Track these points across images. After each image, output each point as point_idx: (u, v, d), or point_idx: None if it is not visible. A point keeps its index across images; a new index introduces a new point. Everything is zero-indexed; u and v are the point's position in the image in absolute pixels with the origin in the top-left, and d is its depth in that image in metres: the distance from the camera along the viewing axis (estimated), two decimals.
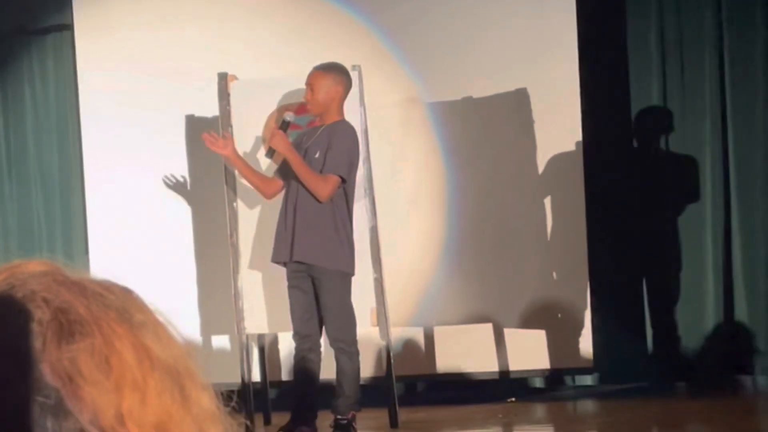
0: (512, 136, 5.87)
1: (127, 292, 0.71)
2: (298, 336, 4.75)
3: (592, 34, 5.89)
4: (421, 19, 5.89)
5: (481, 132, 5.87)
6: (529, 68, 5.78)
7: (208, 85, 5.30)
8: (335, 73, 4.73)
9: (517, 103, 5.83)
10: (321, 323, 4.75)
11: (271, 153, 4.75)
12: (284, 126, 4.68)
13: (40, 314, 0.65)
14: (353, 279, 4.86)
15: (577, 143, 5.82)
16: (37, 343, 0.64)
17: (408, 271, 5.79)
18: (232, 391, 0.78)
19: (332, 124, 4.75)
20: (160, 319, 0.71)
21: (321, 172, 4.67)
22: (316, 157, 4.67)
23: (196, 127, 5.76)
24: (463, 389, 6.02)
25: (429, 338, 5.97)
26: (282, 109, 5.01)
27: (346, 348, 4.68)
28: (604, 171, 5.92)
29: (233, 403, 0.74)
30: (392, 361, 5.15)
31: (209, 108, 5.56)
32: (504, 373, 5.86)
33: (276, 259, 4.79)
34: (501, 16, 5.84)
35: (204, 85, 5.44)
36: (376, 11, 5.91)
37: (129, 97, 5.96)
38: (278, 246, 4.75)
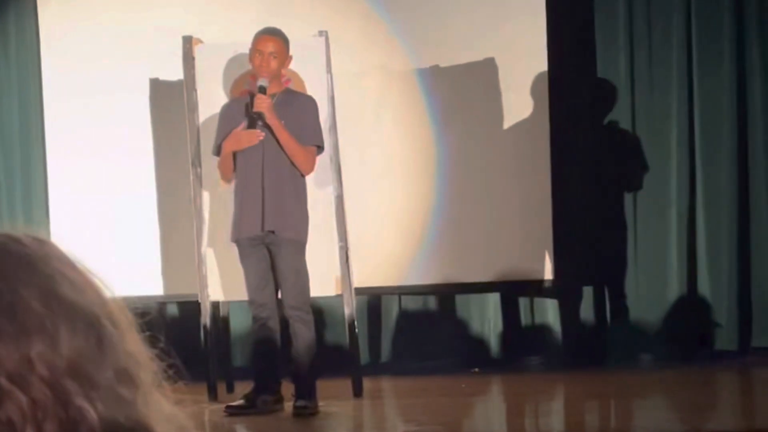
0: (481, 106, 5.85)
1: (40, 242, 0.70)
2: (254, 304, 4.71)
3: (561, 5, 5.87)
4: None
5: (450, 101, 5.85)
6: (497, 37, 5.76)
7: (172, 49, 5.22)
8: (287, 41, 4.63)
9: (486, 73, 5.81)
10: (277, 291, 4.71)
11: (258, 117, 4.53)
12: (262, 91, 4.54)
13: None
14: (318, 247, 4.84)
15: (544, 115, 5.81)
16: None
17: (373, 236, 5.77)
18: (146, 312, 0.76)
19: (285, 94, 4.65)
20: (78, 267, 0.70)
21: None
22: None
23: (160, 91, 5.68)
24: (427, 359, 6.03)
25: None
26: (245, 75, 4.92)
27: (304, 316, 4.65)
28: (569, 142, 5.93)
29: (161, 344, 0.74)
30: (356, 329, 5.14)
31: (174, 72, 5.48)
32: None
33: (242, 235, 4.65)
34: None
35: (168, 48, 5.36)
36: None
37: (92, 59, 5.87)
38: (246, 220, 4.62)
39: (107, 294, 0.71)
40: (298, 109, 4.62)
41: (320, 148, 4.68)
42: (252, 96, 4.62)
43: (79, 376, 0.65)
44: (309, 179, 4.78)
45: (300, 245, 4.65)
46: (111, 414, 0.66)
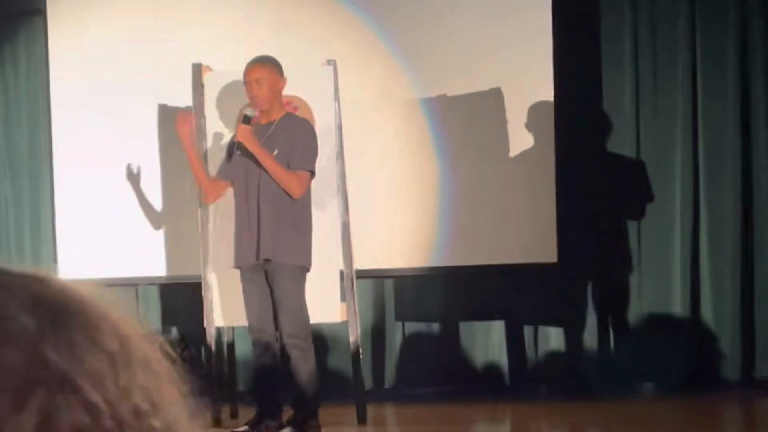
0: (487, 135, 5.88)
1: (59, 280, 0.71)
2: (254, 330, 4.73)
3: (567, 34, 5.91)
4: (400, 16, 5.88)
5: (455, 130, 5.88)
6: (504, 67, 5.80)
7: (181, 76, 5.26)
8: (277, 66, 4.68)
9: (492, 102, 5.84)
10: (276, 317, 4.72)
11: (239, 147, 4.63)
12: (247, 121, 4.60)
13: (20, 299, 0.66)
14: (323, 273, 4.86)
15: (550, 144, 5.83)
16: (30, 324, 0.65)
17: (378, 262, 5.79)
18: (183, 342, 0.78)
19: (284, 119, 4.69)
20: (116, 313, 0.71)
21: (288, 168, 4.63)
22: (275, 154, 4.61)
23: (168, 117, 5.71)
24: (431, 386, 6.04)
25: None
26: (245, 107, 4.96)
27: (300, 343, 4.64)
28: (575, 170, 5.95)
29: (185, 358, 0.75)
30: (360, 356, 5.15)
31: (182, 98, 5.52)
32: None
33: (240, 263, 4.70)
34: (478, 15, 5.84)
35: (178, 75, 5.40)
36: (355, 4, 5.89)
37: (101, 84, 5.91)
38: (243, 249, 4.66)
39: (147, 338, 0.72)
40: (292, 133, 4.66)
41: (312, 173, 4.69)
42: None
43: (151, 402, 0.67)
44: (314, 206, 4.81)
45: (297, 272, 4.65)
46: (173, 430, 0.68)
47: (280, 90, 4.69)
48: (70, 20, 6.01)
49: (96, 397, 0.65)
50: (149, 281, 6.03)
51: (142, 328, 0.72)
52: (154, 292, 6.20)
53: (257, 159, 4.59)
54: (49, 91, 6.07)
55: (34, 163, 6.26)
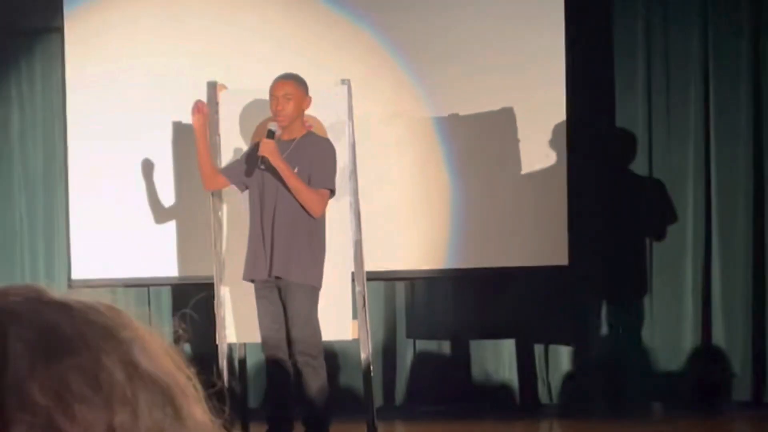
0: (499, 155, 5.90)
1: (113, 310, 0.70)
2: (267, 346, 4.75)
3: (580, 53, 5.93)
4: (413, 35, 5.92)
5: (468, 150, 5.90)
6: (516, 86, 5.82)
7: (197, 94, 5.30)
8: (305, 84, 4.73)
9: (504, 121, 5.87)
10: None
11: (263, 162, 4.63)
12: (271, 135, 4.64)
13: (25, 334, 0.65)
14: (335, 290, 4.89)
15: (562, 163, 5.85)
16: (23, 363, 0.64)
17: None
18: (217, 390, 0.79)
19: (305, 137, 4.72)
20: (148, 334, 0.70)
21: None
22: (295, 171, 4.64)
23: (182, 135, 5.76)
24: (441, 404, 6.04)
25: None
26: (265, 122, 5.00)
27: (311, 361, 4.66)
28: (587, 192, 5.96)
29: (226, 415, 0.75)
30: (371, 374, 5.16)
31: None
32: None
33: (251, 277, 4.73)
34: (491, 34, 5.87)
35: (193, 93, 5.44)
36: (368, 24, 5.93)
37: (116, 102, 5.96)
38: (255, 263, 4.69)
39: (179, 363, 0.71)
40: (313, 152, 4.68)
41: (332, 192, 4.72)
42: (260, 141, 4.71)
43: None
44: (327, 224, 4.84)
45: (310, 290, 4.67)
46: None
47: (304, 109, 4.74)
48: (88, 38, 6.06)
49: None
50: (161, 282, 6.06)
51: (168, 348, 0.71)
52: (166, 293, 6.21)
53: (279, 174, 4.61)
54: (65, 108, 6.12)
55: (49, 179, 6.30)
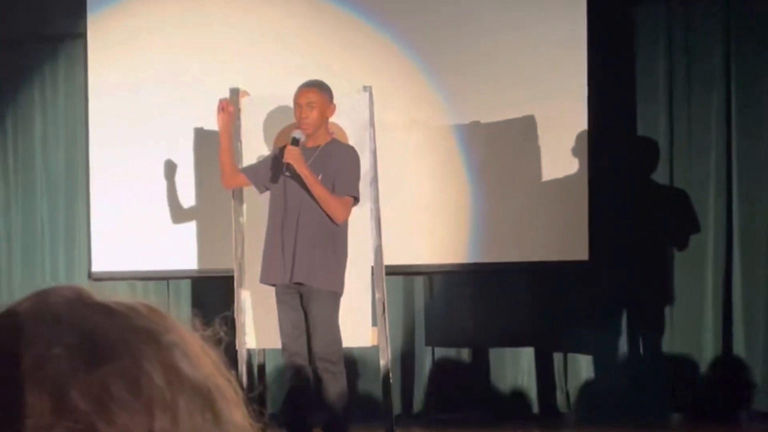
0: (519, 163, 5.90)
1: (155, 312, 0.70)
2: (287, 352, 4.76)
3: (601, 64, 5.93)
4: (435, 42, 5.93)
5: (488, 157, 5.90)
6: (537, 95, 5.82)
7: (215, 98, 5.32)
8: (329, 92, 4.74)
9: (525, 130, 5.87)
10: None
11: (288, 169, 4.64)
12: (295, 143, 4.64)
13: (67, 338, 0.65)
14: (355, 297, 4.89)
15: (583, 174, 5.85)
16: (64, 368, 0.64)
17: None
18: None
19: (329, 144, 4.73)
20: (189, 336, 0.70)
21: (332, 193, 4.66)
22: (319, 178, 4.65)
23: (204, 141, 5.78)
24: (459, 411, 6.04)
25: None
26: (287, 129, 5.01)
27: (331, 367, 4.66)
28: (607, 202, 5.95)
29: (266, 419, 0.74)
30: (390, 381, 5.16)
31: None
32: None
33: (269, 281, 4.74)
34: (512, 42, 5.88)
35: (215, 99, 5.47)
36: (390, 32, 5.95)
37: (138, 107, 6.00)
38: (272, 267, 4.70)
39: (219, 366, 0.70)
40: (337, 159, 4.69)
41: (356, 199, 4.73)
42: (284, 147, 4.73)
43: None
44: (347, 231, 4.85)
45: (332, 296, 4.67)
46: None
47: (328, 117, 4.75)
48: (110, 43, 6.10)
49: None
50: (180, 275, 6.08)
51: (208, 351, 0.70)
52: (186, 286, 6.23)
53: (303, 181, 4.63)
54: (87, 114, 6.16)
55: (70, 181, 6.34)
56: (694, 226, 5.97)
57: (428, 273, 6.04)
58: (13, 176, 6.46)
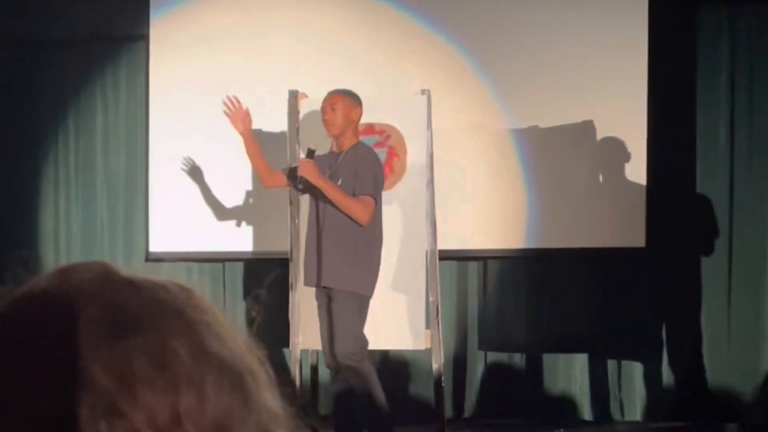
0: (577, 168, 5.87)
1: (184, 289, 0.67)
2: (325, 354, 4.77)
3: (662, 71, 5.88)
4: (494, 47, 5.93)
5: (545, 162, 5.88)
6: (598, 101, 5.79)
7: (278, 102, 5.37)
8: (354, 96, 4.80)
9: (584, 135, 5.84)
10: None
11: (301, 181, 4.74)
12: (310, 154, 4.72)
13: (91, 313, 0.63)
14: (408, 300, 4.90)
15: (641, 179, 5.80)
16: (87, 343, 0.61)
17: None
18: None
19: (352, 148, 4.78)
20: (220, 315, 0.67)
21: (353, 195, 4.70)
22: (339, 183, 4.71)
23: (263, 142, 5.83)
24: (511, 416, 6.02)
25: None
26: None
27: (356, 366, 4.66)
28: (668, 207, 5.90)
29: (299, 403, 0.71)
30: (442, 384, 5.17)
31: (277, 124, 5.63)
32: None
33: (305, 283, 4.86)
34: (573, 48, 5.85)
35: (274, 101, 5.52)
36: (447, 35, 5.96)
37: (198, 108, 6.07)
38: (308, 271, 4.81)
39: (249, 346, 0.68)
40: (354, 162, 4.75)
41: (375, 198, 4.73)
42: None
43: None
44: (399, 234, 4.86)
45: (354, 298, 4.69)
46: None
47: (355, 120, 4.79)
48: (172, 45, 6.18)
49: (144, 430, 0.60)
50: (235, 256, 6.14)
51: (239, 330, 0.67)
52: (240, 269, 6.28)
53: (321, 191, 4.71)
54: (147, 114, 6.25)
55: (130, 185, 6.44)
56: (715, 232, 5.90)
57: (482, 258, 6.01)
58: (74, 175, 6.57)
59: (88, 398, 0.60)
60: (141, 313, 0.63)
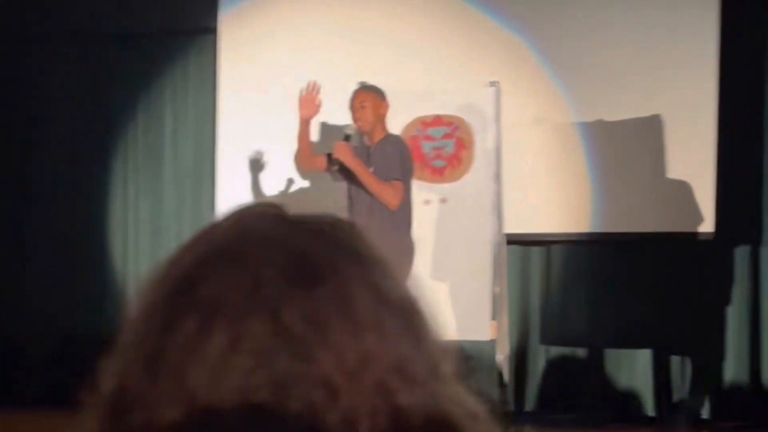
0: (644, 163, 5.84)
1: (352, 227, 0.68)
2: None
3: (734, 64, 5.82)
4: (561, 39, 5.93)
5: (612, 156, 5.86)
6: (665, 95, 5.76)
7: (347, 97, 5.43)
8: (380, 92, 4.94)
9: (651, 130, 5.81)
10: None
11: (335, 163, 4.84)
12: (346, 138, 4.85)
13: (277, 259, 0.64)
14: (473, 291, 4.93)
15: (710, 176, 5.74)
16: (277, 290, 0.63)
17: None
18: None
19: (382, 140, 4.89)
20: (386, 254, 0.68)
21: None
22: (370, 171, 4.80)
23: (328, 135, 5.90)
24: (573, 411, 6.00)
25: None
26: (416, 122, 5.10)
27: None
28: (736, 204, 5.85)
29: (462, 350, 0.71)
30: (505, 377, 5.18)
31: (345, 116, 5.68)
32: None
33: None
34: (641, 41, 5.82)
35: (344, 96, 5.57)
36: (515, 28, 5.97)
37: (266, 102, 6.14)
38: None
39: (412, 285, 0.68)
40: (384, 148, 4.86)
41: (404, 182, 4.81)
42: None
43: (403, 374, 0.63)
44: (465, 222, 4.90)
45: None
46: (426, 411, 0.64)
47: (383, 115, 4.91)
48: (241, 39, 6.27)
49: (334, 374, 0.62)
50: None
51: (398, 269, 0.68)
52: None
53: (354, 175, 4.80)
54: (215, 108, 6.34)
55: (197, 176, 6.53)
56: None
57: (546, 242, 6.01)
58: (143, 168, 6.68)
59: (281, 342, 0.61)
60: (324, 259, 0.64)
